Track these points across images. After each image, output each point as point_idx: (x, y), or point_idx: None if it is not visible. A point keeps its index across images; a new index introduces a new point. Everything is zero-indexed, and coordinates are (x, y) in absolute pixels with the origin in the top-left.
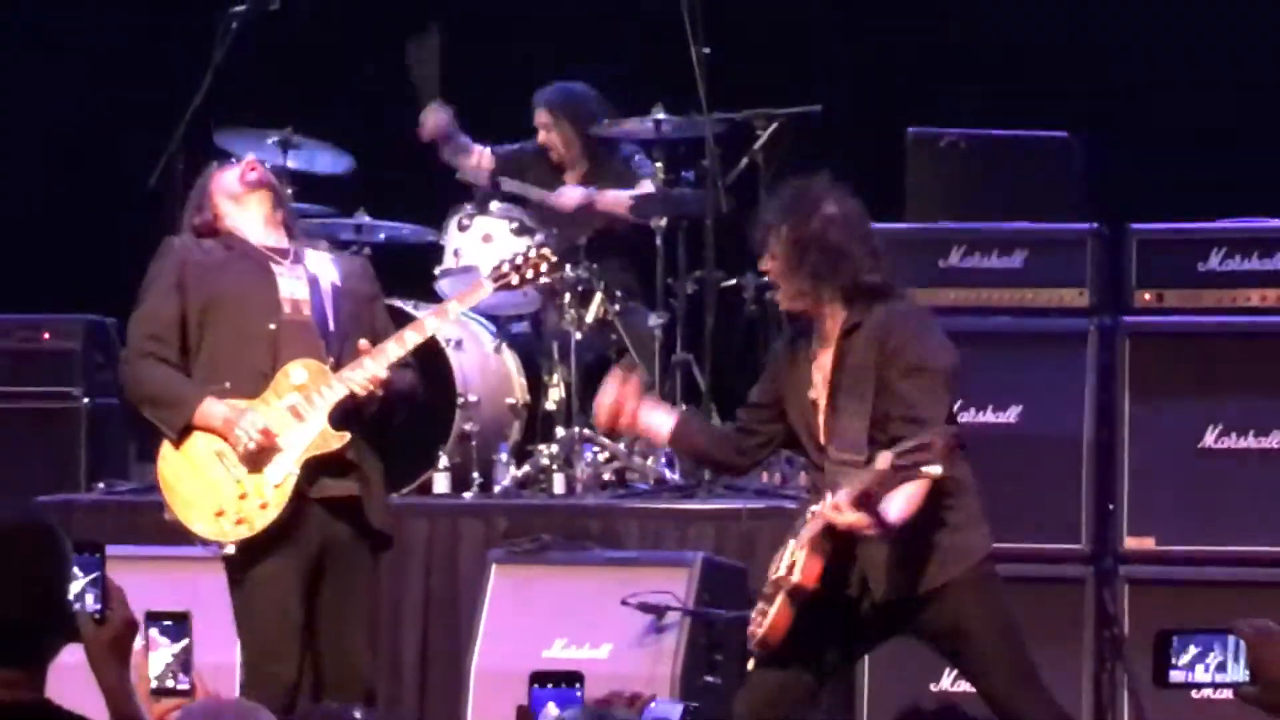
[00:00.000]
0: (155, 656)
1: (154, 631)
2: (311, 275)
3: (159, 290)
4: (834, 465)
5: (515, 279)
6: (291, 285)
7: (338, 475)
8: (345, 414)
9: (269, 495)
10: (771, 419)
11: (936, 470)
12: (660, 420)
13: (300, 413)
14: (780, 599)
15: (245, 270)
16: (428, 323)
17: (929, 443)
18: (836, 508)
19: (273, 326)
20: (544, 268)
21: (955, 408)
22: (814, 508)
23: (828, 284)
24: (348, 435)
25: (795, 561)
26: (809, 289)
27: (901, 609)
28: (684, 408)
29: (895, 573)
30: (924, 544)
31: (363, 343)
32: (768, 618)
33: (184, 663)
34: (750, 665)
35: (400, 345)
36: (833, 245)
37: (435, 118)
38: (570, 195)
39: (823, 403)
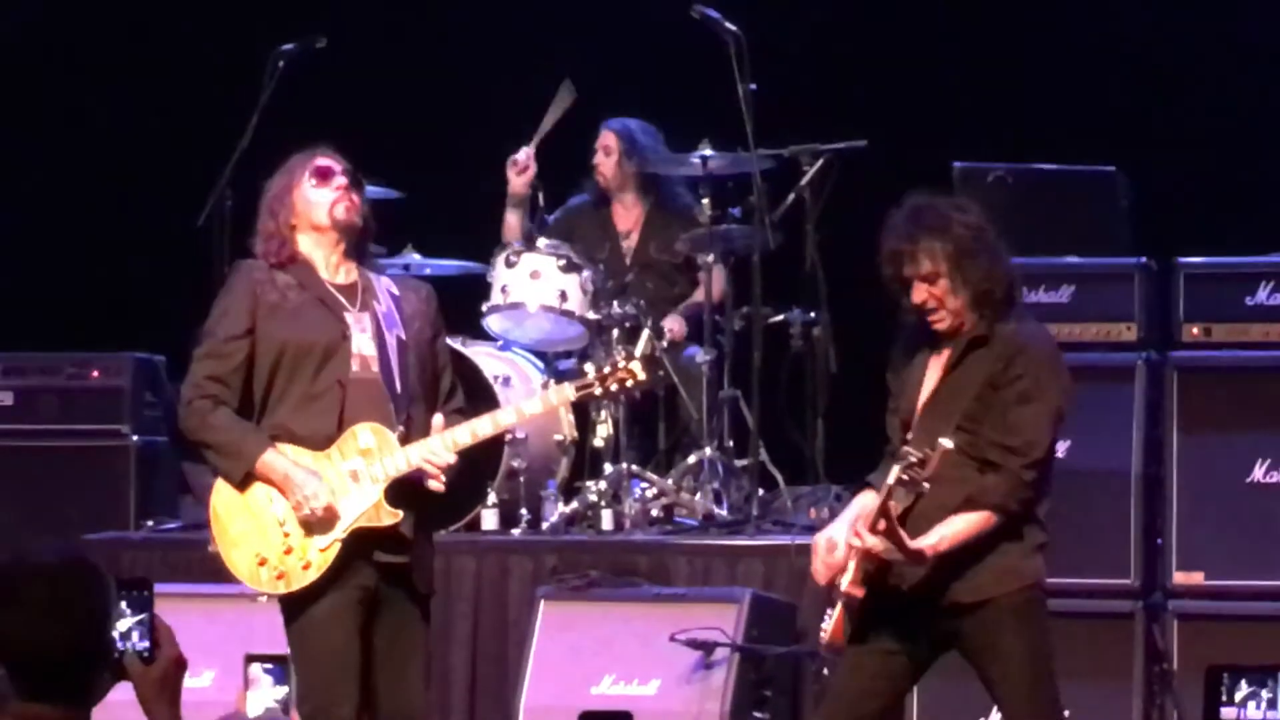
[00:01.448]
0: (256, 696)
1: (257, 670)
2: (378, 328)
3: (229, 330)
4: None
5: (598, 390)
6: (361, 340)
7: (388, 549)
8: (401, 490)
9: (313, 557)
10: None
11: (925, 486)
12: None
13: (359, 479)
14: (838, 605)
15: (318, 320)
16: (505, 413)
17: (923, 459)
18: (857, 533)
19: (341, 384)
20: (630, 383)
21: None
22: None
23: (978, 286)
24: (400, 514)
25: (849, 568)
26: (971, 303)
27: (945, 616)
28: (862, 501)
29: (932, 573)
30: (973, 558)
31: (436, 420)
32: (830, 620)
33: (285, 705)
34: (824, 671)
35: (472, 432)
36: (985, 253)
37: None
38: (677, 330)
39: (921, 404)
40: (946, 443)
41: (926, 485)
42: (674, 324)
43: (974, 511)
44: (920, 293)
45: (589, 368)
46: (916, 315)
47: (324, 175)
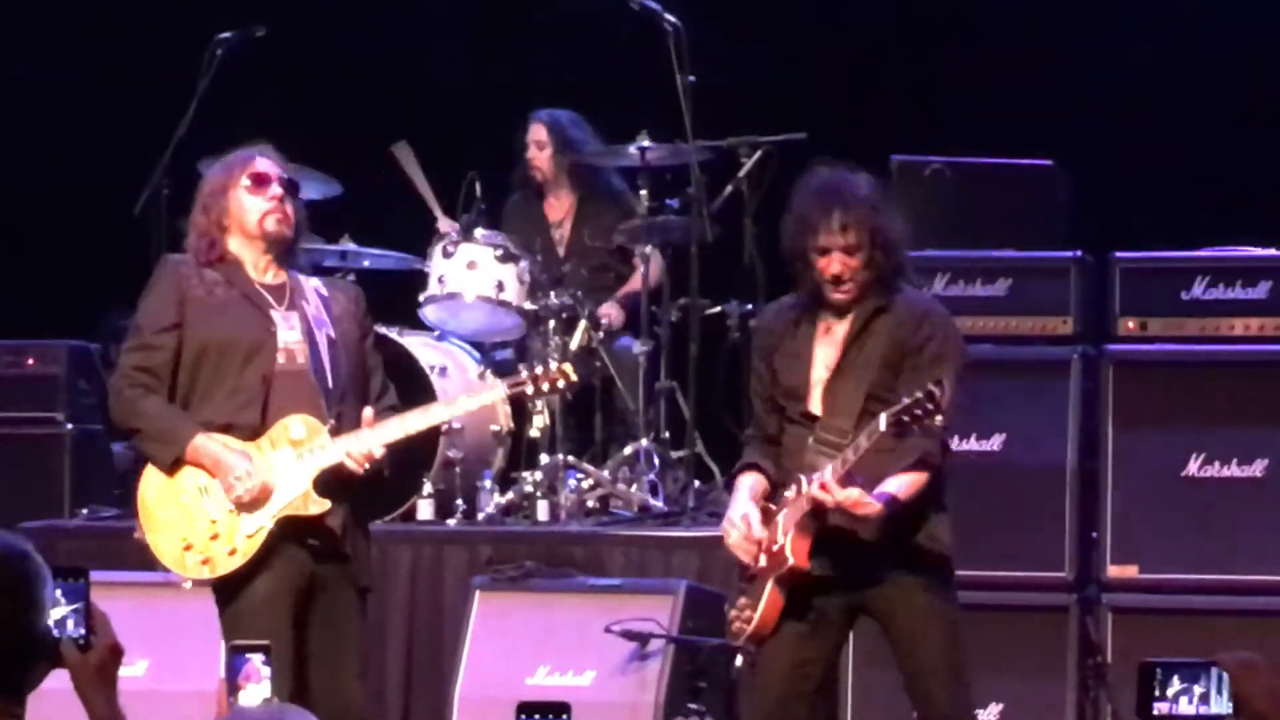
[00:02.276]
0: (256, 689)
1: (258, 661)
2: (307, 326)
3: (156, 325)
4: (815, 444)
5: (530, 389)
6: (288, 336)
7: (320, 536)
8: (329, 481)
9: (239, 543)
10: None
11: (938, 420)
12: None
13: (289, 468)
14: (770, 587)
15: (244, 317)
16: (435, 410)
17: (930, 393)
18: (824, 487)
19: (266, 378)
20: (561, 384)
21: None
22: (791, 491)
23: (886, 261)
24: (327, 504)
25: (784, 545)
26: (876, 275)
27: (863, 589)
28: (751, 481)
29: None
30: (904, 522)
31: (366, 413)
32: (758, 610)
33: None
34: (740, 662)
35: (403, 426)
36: (897, 227)
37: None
38: (614, 316)
39: (826, 378)
40: (936, 389)
41: (940, 419)
42: (611, 310)
43: (912, 470)
44: (837, 263)
45: (522, 367)
46: (812, 288)
47: (260, 182)
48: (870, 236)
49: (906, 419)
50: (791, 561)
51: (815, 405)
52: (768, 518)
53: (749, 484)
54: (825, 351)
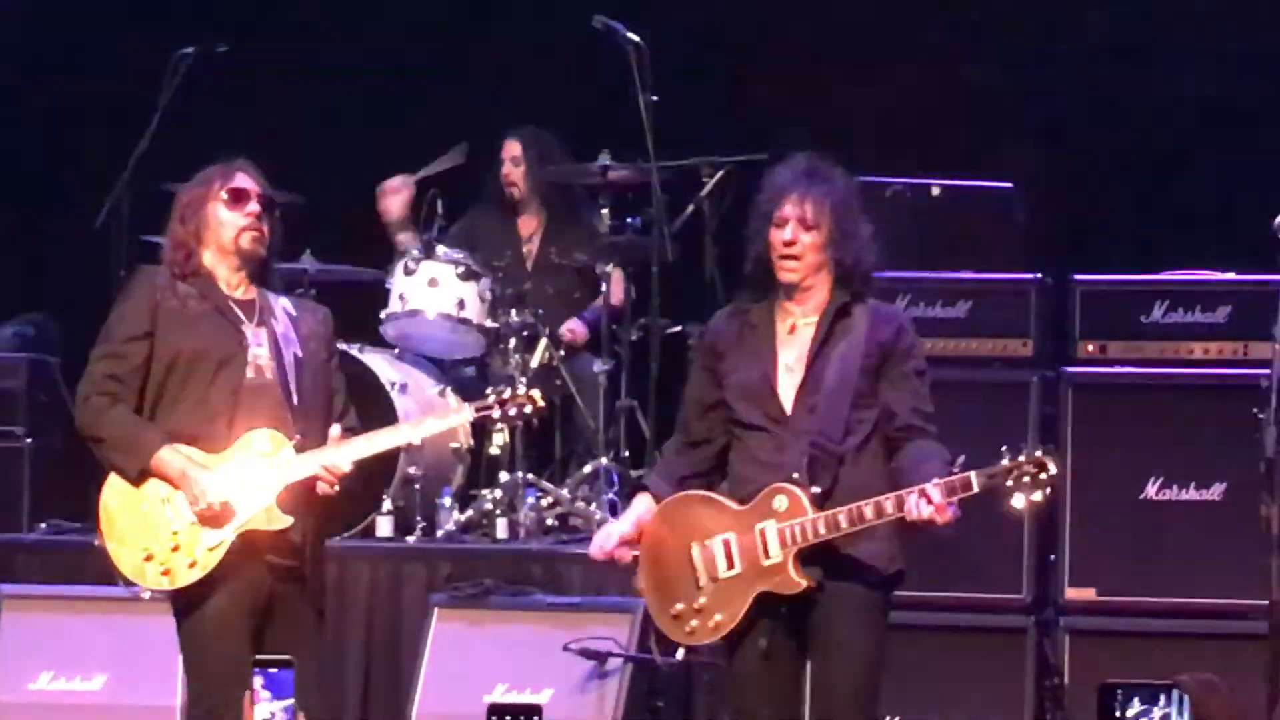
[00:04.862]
0: (261, 710)
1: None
2: (275, 344)
3: (127, 333)
4: (802, 445)
5: (496, 413)
6: (257, 352)
7: (279, 553)
8: (293, 497)
9: (199, 555)
10: (722, 418)
11: (1036, 498)
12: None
13: (253, 482)
14: (751, 597)
15: (216, 330)
16: (402, 430)
17: (1040, 461)
18: (940, 508)
19: (235, 391)
20: (528, 409)
21: None
22: (781, 502)
23: (845, 257)
24: (289, 520)
25: (784, 564)
26: (831, 258)
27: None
28: (648, 490)
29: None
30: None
31: (334, 430)
32: (731, 616)
33: (291, 711)
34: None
35: (369, 445)
36: (859, 219)
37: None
38: (578, 332)
39: (799, 376)
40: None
41: (1039, 496)
42: (575, 326)
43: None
44: (790, 232)
45: (490, 391)
46: (766, 276)
47: (238, 198)
48: (832, 219)
49: (1010, 484)
50: (803, 585)
51: (786, 404)
52: (739, 522)
53: (642, 505)
54: (790, 351)
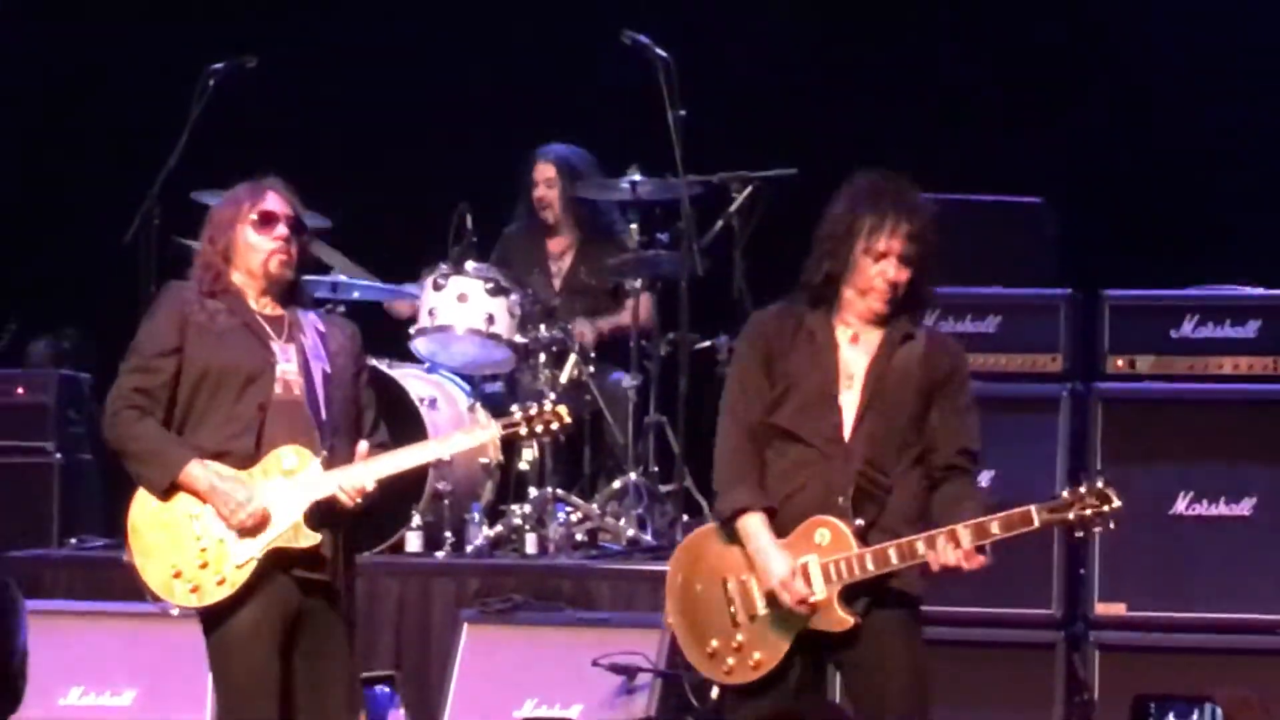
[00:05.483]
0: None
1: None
2: (304, 359)
3: (156, 348)
4: (851, 471)
5: (524, 430)
6: (286, 368)
7: (307, 566)
8: (321, 513)
9: (227, 572)
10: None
11: (1108, 524)
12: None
13: (281, 499)
14: (793, 638)
15: (245, 346)
16: (429, 447)
17: (1104, 494)
18: (969, 556)
19: (262, 407)
20: (555, 425)
21: None
22: (824, 536)
23: (924, 290)
24: (317, 537)
25: (830, 600)
26: (913, 300)
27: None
28: (760, 509)
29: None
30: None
31: (361, 447)
32: (771, 656)
33: None
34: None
35: (396, 461)
36: (939, 261)
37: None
38: (588, 337)
39: (856, 400)
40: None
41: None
42: (584, 328)
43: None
44: (893, 269)
45: (516, 407)
46: (835, 278)
47: (267, 221)
48: (926, 256)
49: (1072, 518)
50: (850, 622)
51: (846, 425)
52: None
53: (768, 532)
54: (851, 366)
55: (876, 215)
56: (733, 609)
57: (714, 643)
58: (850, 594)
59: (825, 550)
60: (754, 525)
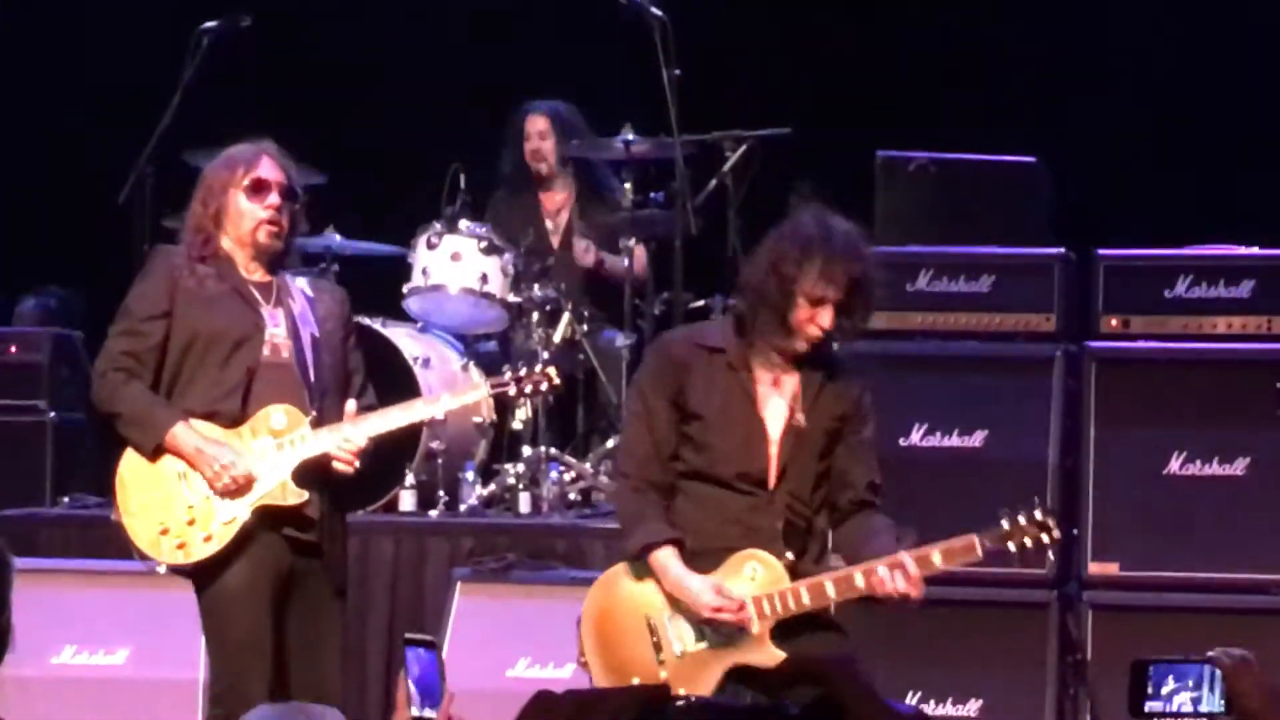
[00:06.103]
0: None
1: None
2: (293, 324)
3: (146, 311)
4: (778, 507)
5: (513, 390)
6: (274, 332)
7: (298, 527)
8: (309, 472)
9: (214, 530)
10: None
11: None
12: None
13: (268, 457)
14: (722, 673)
15: (234, 310)
16: (418, 406)
17: (1046, 525)
18: (917, 584)
19: (250, 370)
20: (544, 386)
21: (921, 431)
22: (753, 570)
23: (854, 333)
24: (305, 495)
25: (764, 638)
26: (842, 330)
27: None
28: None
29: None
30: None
31: (349, 406)
32: (704, 690)
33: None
34: None
35: (385, 421)
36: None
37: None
38: (591, 255)
39: (776, 438)
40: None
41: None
42: (583, 246)
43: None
44: (827, 317)
45: (506, 368)
46: (780, 311)
47: (259, 189)
48: (864, 304)
49: (1011, 549)
50: (781, 658)
51: (772, 475)
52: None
53: (679, 563)
54: (773, 406)
55: (821, 260)
56: (659, 647)
57: (635, 681)
58: (781, 630)
59: (758, 584)
60: (665, 558)
